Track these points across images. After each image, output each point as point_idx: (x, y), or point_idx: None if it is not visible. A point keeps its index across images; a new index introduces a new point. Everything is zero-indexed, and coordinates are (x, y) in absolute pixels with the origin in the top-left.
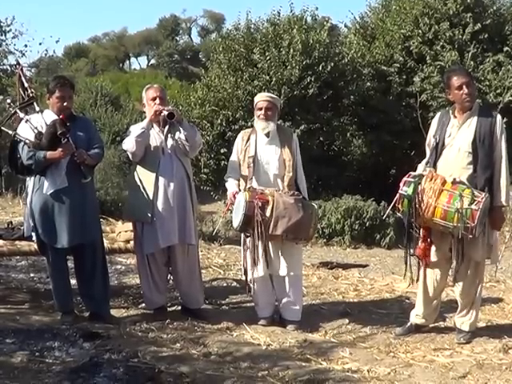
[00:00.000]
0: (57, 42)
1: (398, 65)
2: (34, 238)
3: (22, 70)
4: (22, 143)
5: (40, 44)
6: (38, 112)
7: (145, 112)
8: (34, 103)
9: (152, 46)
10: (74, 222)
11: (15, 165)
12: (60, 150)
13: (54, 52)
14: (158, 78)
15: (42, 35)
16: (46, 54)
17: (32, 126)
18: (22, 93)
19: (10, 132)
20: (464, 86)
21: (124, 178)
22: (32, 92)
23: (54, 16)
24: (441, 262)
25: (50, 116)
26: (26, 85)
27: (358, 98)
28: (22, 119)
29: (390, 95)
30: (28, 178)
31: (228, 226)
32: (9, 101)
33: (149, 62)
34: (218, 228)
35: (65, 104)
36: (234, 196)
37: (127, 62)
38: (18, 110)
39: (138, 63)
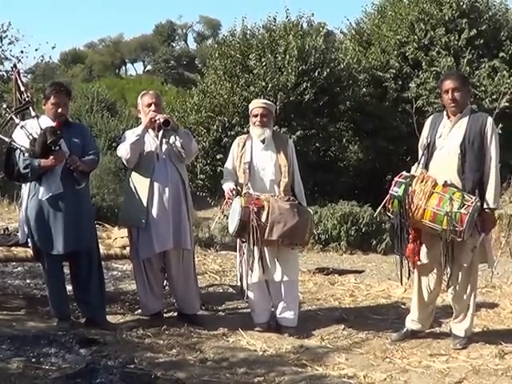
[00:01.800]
0: (53, 48)
1: (394, 71)
2: (30, 244)
3: (18, 72)
4: (18, 150)
5: (36, 50)
6: (33, 117)
7: (140, 118)
8: (30, 108)
9: (148, 52)
10: (69, 228)
11: (11, 172)
12: (52, 157)
13: (50, 58)
14: (154, 83)
15: (38, 41)
16: (42, 60)
17: (27, 132)
18: (18, 96)
19: (6, 139)
20: (450, 91)
21: (120, 183)
22: (28, 96)
23: (50, 22)
24: (434, 265)
25: (46, 122)
26: (22, 88)
27: (353, 104)
28: (17, 125)
29: (386, 101)
30: (23, 185)
31: (224, 232)
32: (5, 106)
33: (145, 67)
34: (213, 229)
35: (59, 110)
36: (232, 191)
37: (123, 67)
38: (13, 116)
39: (134, 69)
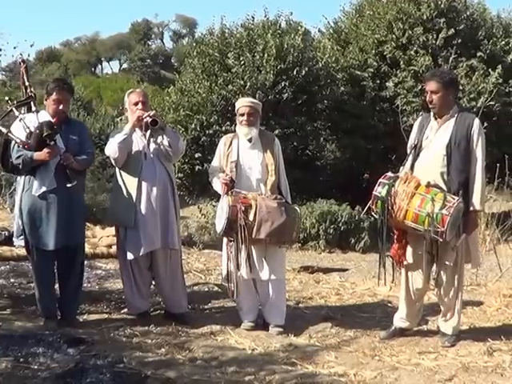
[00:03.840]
0: (31, 46)
1: (372, 70)
2: (19, 241)
3: (26, 67)
4: (14, 142)
5: (14, 48)
6: (33, 112)
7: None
8: (32, 103)
9: (124, 51)
10: (60, 223)
11: (6, 163)
12: (46, 151)
13: (29, 56)
14: (129, 82)
15: (15, 39)
16: (20, 59)
17: (25, 125)
18: (23, 90)
19: (4, 130)
20: (429, 93)
21: (98, 182)
22: (31, 91)
23: (26, 20)
24: (420, 263)
25: (45, 117)
26: (26, 83)
27: (331, 103)
28: (16, 117)
29: (364, 100)
30: (18, 178)
31: (202, 231)
32: (7, 98)
33: (121, 66)
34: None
35: (60, 107)
36: (226, 177)
37: (99, 66)
38: (14, 109)
39: (110, 67)
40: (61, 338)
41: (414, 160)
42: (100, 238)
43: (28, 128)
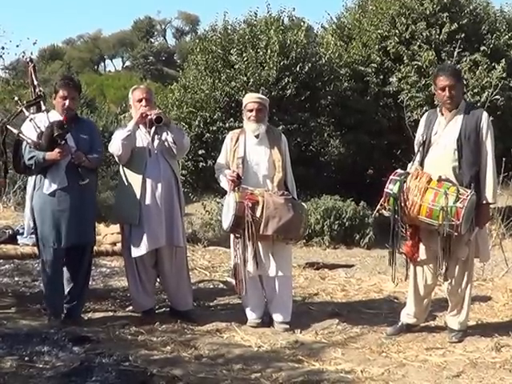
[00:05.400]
0: (34, 44)
1: (375, 65)
2: (24, 239)
3: (34, 67)
4: (25, 142)
5: (17, 46)
6: (43, 111)
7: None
8: (41, 102)
9: (127, 48)
10: (71, 222)
11: (18, 164)
12: (57, 151)
13: (32, 54)
14: (132, 79)
15: (17, 38)
16: (23, 56)
17: (36, 125)
18: (32, 90)
19: (15, 131)
20: (447, 89)
21: (102, 180)
22: (40, 91)
23: (28, 18)
24: (431, 260)
25: (55, 116)
26: (35, 83)
27: (335, 99)
28: (26, 118)
29: (368, 95)
30: (29, 178)
31: (206, 228)
32: (16, 98)
33: (124, 63)
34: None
35: (66, 103)
36: (233, 173)
37: (102, 64)
38: (24, 109)
39: (113, 65)
40: (66, 336)
41: (424, 156)
42: (104, 235)
43: (39, 128)
